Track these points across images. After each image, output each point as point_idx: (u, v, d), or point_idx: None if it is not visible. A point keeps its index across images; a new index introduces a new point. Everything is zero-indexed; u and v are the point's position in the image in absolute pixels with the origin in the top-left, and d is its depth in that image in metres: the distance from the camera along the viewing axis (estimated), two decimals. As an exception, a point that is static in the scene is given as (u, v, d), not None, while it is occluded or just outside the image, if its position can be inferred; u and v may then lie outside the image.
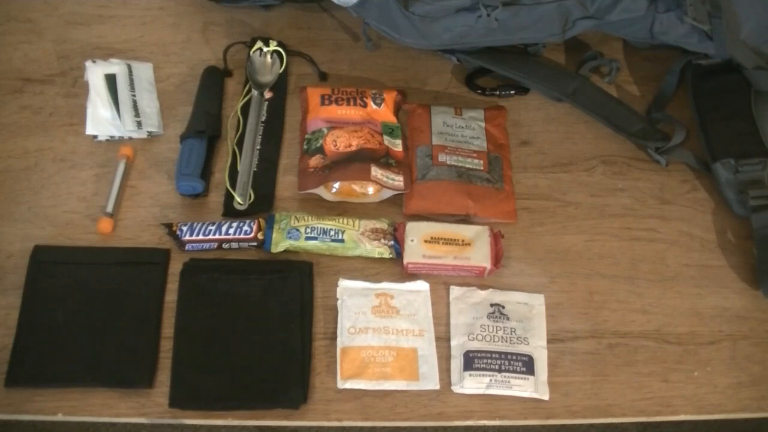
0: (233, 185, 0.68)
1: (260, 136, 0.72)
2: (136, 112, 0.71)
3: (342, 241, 0.65)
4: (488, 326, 0.63)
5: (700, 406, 0.62)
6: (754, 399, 0.63)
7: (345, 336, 0.62)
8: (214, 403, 0.59)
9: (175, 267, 0.64)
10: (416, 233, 0.66)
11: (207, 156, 0.69)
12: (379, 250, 0.65)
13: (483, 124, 0.74)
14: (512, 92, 0.78)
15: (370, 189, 0.68)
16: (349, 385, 0.60)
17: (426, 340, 0.62)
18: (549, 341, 0.63)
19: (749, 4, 0.69)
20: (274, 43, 0.77)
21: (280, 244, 0.65)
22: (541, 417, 0.61)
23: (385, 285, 0.65)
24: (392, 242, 0.66)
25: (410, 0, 0.68)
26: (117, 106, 0.71)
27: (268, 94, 0.75)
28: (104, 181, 0.68)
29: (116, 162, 0.69)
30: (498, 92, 0.78)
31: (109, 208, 0.66)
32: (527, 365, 0.61)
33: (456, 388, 0.61)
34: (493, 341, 0.62)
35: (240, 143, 0.71)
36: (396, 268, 0.66)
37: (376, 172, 0.67)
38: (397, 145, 0.71)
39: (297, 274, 0.64)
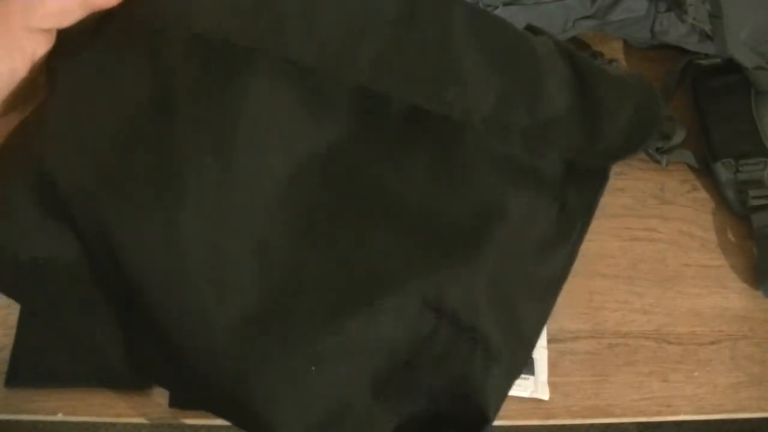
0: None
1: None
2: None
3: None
4: (488, 326, 0.63)
5: (700, 406, 0.62)
6: (754, 399, 0.63)
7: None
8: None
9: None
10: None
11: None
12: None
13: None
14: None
15: None
16: (349, 385, 0.59)
17: (426, 340, 0.62)
18: (549, 341, 0.63)
19: (749, 4, 0.69)
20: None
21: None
22: (541, 417, 0.61)
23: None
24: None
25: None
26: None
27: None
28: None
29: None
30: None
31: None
32: (527, 365, 0.61)
33: (456, 388, 0.61)
34: (493, 341, 0.62)
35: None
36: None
37: None
38: None
39: None
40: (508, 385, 0.33)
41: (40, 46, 0.30)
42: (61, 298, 0.33)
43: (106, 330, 0.33)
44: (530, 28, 0.38)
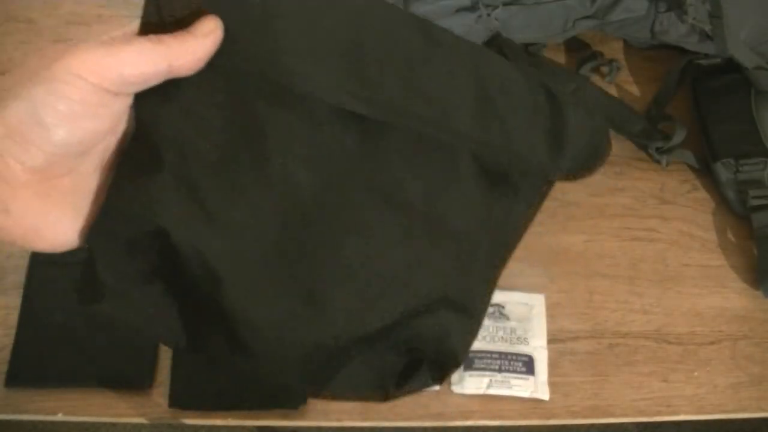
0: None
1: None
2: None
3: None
4: (488, 326, 0.63)
5: (700, 406, 0.63)
6: (754, 399, 0.63)
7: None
8: (214, 403, 0.59)
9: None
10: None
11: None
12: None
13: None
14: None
15: None
16: (349, 385, 0.60)
17: (426, 340, 0.62)
18: (549, 341, 0.63)
19: (749, 4, 0.69)
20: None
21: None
22: (541, 417, 0.61)
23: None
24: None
25: (410, 0, 0.68)
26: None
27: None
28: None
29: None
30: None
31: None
32: (527, 365, 0.61)
33: (456, 388, 0.61)
34: (493, 341, 0.62)
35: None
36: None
37: None
38: None
39: None
40: (474, 337, 0.43)
41: (124, 106, 0.34)
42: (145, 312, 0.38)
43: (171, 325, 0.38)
44: (498, 38, 0.45)
